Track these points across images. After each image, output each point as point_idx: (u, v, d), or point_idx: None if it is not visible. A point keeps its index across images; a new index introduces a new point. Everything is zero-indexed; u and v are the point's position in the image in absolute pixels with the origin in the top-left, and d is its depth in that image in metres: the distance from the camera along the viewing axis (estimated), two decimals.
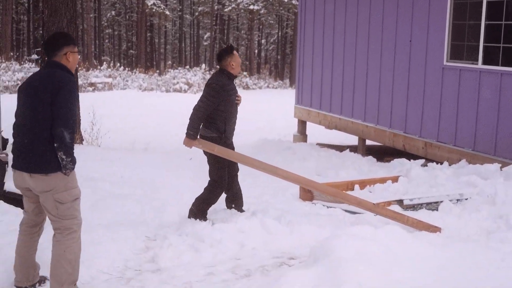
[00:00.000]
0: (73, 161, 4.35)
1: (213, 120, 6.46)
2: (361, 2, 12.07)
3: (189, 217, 6.64)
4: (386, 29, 11.33)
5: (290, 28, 52.36)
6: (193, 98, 26.78)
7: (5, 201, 6.91)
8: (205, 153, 6.65)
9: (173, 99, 25.98)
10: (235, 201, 6.91)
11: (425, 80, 10.37)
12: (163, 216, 7.03)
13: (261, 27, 53.33)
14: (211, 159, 6.60)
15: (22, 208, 4.74)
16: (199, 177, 9.40)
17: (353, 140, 14.34)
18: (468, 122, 9.46)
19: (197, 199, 6.70)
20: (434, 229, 6.29)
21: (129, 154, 10.85)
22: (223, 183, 6.63)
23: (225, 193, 6.86)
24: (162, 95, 28.22)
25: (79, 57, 4.75)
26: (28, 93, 4.41)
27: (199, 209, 6.64)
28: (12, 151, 4.51)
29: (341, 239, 4.52)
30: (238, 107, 6.70)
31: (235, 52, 6.61)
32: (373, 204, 6.55)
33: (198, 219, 6.53)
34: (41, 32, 40.38)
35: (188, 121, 6.45)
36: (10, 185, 6.97)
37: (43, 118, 4.30)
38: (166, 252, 5.67)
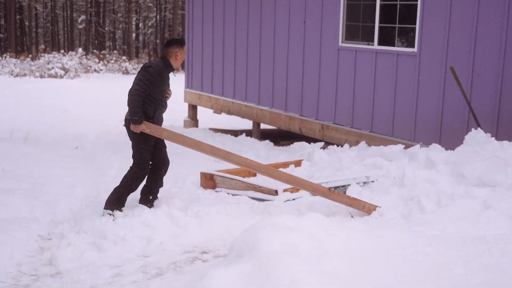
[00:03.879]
0: None
1: (143, 104, 6.18)
2: None
3: (105, 208, 6.18)
4: (279, 9, 11.11)
5: (169, 11, 51.39)
6: (71, 84, 25.65)
7: None
8: (129, 134, 6.31)
9: (49, 85, 24.63)
10: (154, 194, 6.57)
11: (321, 62, 10.26)
12: (55, 212, 6.45)
13: (138, 10, 51.96)
14: (134, 140, 6.29)
15: None
16: (89, 168, 8.83)
17: (245, 124, 14.12)
18: (365, 103, 9.44)
19: (116, 187, 6.32)
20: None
21: (8, 144, 9.98)
22: (145, 167, 6.31)
23: (146, 180, 6.52)
24: (37, 81, 26.71)
25: None
26: None
27: (117, 196, 6.25)
28: None
29: (266, 231, 4.18)
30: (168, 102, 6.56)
31: (185, 47, 6.42)
32: (329, 190, 6.26)
33: (114, 210, 6.13)
34: None
35: (128, 107, 6.16)
36: None
37: None
38: (65, 252, 5.12)
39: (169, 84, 6.42)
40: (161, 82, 6.21)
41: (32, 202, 6.54)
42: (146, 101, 6.18)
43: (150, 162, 6.43)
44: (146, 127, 6.13)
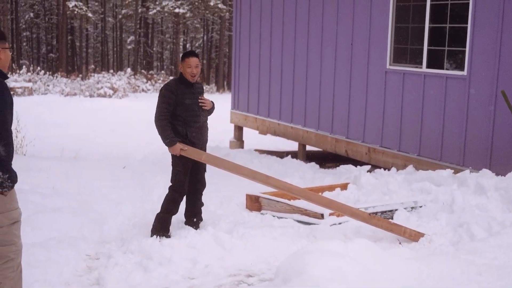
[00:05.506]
0: (12, 178, 3.77)
1: (172, 125, 6.25)
2: (299, 3, 11.82)
3: (152, 235, 6.20)
4: (326, 31, 11.11)
5: (216, 32, 51.97)
6: (119, 103, 26.07)
7: None
8: (172, 156, 6.38)
9: (98, 104, 25.09)
10: (197, 215, 6.61)
11: (368, 84, 10.20)
12: (103, 231, 6.54)
13: (186, 31, 52.68)
14: (172, 162, 6.38)
15: None
16: (136, 186, 8.93)
17: (291, 145, 14.10)
18: (413, 127, 9.33)
19: (157, 213, 6.38)
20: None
21: (58, 163, 10.16)
22: (181, 189, 6.34)
23: (185, 203, 6.54)
24: (86, 100, 27.23)
25: (10, 54, 4.18)
26: None
27: (160, 222, 6.28)
28: None
29: (312, 256, 4.16)
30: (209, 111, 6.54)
31: (188, 58, 6.32)
32: (369, 214, 6.20)
33: (160, 236, 6.12)
34: None
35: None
36: None
37: None
38: (112, 272, 5.18)
39: (193, 95, 6.32)
40: (178, 99, 6.20)
41: (81, 220, 6.65)
42: (174, 122, 6.23)
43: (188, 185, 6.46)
44: (183, 146, 6.16)
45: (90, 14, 44.72)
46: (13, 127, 4.01)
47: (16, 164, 9.13)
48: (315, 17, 11.37)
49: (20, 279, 4.00)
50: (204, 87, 39.44)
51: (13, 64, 35.79)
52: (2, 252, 3.87)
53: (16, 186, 3.91)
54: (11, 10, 50.53)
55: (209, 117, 6.64)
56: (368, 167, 9.34)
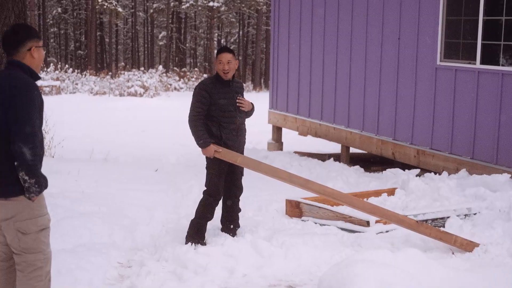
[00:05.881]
0: (40, 183, 3.80)
1: (206, 126, 6.28)
2: None
3: (186, 243, 6.24)
4: (371, 25, 11.04)
5: (252, 27, 52.08)
6: (151, 103, 26.34)
7: None
8: (206, 158, 6.40)
9: (129, 103, 25.39)
10: (234, 222, 6.63)
11: (416, 81, 10.09)
12: (134, 237, 6.60)
13: (220, 25, 52.95)
14: (207, 165, 6.41)
15: None
16: (169, 191, 9.01)
17: (333, 147, 14.06)
18: (466, 127, 9.20)
19: (192, 219, 6.41)
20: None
21: (88, 166, 10.31)
22: (216, 193, 6.36)
23: (222, 209, 6.58)
24: (116, 99, 27.60)
25: (44, 53, 4.24)
26: None
27: (195, 228, 6.31)
28: None
29: (358, 267, 4.12)
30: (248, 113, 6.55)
31: (220, 54, 6.32)
32: (416, 222, 6.15)
33: (195, 243, 6.16)
34: None
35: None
36: None
37: None
38: (145, 281, 5.24)
39: (230, 96, 6.31)
40: (213, 99, 6.21)
41: (112, 226, 6.72)
42: (209, 123, 6.26)
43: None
44: (217, 148, 6.17)
45: (120, 9, 45.28)
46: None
47: (44, 166, 9.29)
48: (359, 10, 11.30)
49: None
50: None
51: None
52: (30, 260, 3.91)
53: (45, 191, 3.95)
54: (38, 5, 51.44)
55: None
56: (417, 171, 9.25)
